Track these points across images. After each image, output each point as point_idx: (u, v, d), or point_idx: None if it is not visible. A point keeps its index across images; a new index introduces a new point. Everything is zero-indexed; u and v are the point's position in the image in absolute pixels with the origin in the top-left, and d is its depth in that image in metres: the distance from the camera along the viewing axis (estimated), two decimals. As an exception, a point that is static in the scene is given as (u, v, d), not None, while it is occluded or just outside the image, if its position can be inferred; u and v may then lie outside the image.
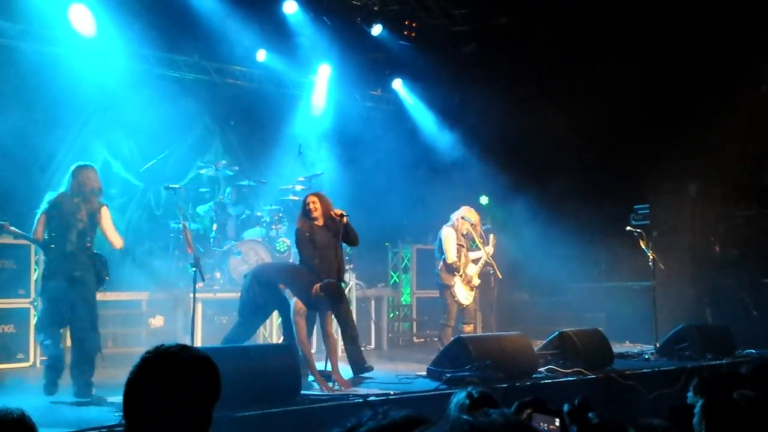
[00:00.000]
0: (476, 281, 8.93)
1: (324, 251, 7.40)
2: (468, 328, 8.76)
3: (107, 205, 6.92)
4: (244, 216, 10.43)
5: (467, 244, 8.97)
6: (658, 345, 9.24)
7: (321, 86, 13.17)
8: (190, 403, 2.00)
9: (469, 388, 3.15)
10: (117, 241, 6.92)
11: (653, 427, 3.57)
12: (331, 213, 7.46)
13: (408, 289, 12.55)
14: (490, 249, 9.04)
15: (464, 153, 13.23)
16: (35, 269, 8.88)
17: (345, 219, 7.42)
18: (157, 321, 9.73)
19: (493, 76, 12.86)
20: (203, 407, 2.03)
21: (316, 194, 7.74)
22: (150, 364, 2.02)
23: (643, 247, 9.62)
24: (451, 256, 8.66)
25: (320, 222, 7.49)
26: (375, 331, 11.36)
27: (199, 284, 7.45)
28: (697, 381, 5.09)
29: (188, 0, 10.97)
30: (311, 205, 7.52)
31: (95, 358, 6.58)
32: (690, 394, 5.08)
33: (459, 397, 3.18)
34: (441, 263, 8.76)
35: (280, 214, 10.41)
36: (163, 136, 11.92)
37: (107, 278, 6.85)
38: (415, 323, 12.48)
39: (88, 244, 6.69)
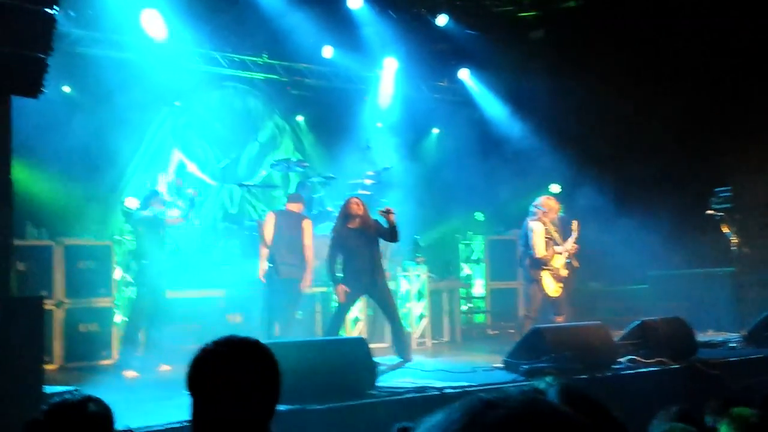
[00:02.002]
0: (564, 272, 8.78)
1: (357, 252, 8.07)
2: (560, 320, 8.64)
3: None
4: (315, 212, 10.49)
5: (558, 235, 8.83)
6: (744, 332, 8.89)
7: (387, 80, 13.15)
8: (254, 390, 2.03)
9: (547, 379, 3.04)
10: None
11: (747, 417, 3.41)
12: (379, 212, 8.10)
13: (481, 280, 12.43)
14: (573, 236, 8.90)
15: (534, 141, 13.00)
16: (113, 268, 9.15)
17: (392, 215, 8.04)
18: (235, 317, 9.89)
19: (562, 61, 12.58)
20: (266, 394, 2.06)
21: (359, 198, 8.42)
22: (210, 356, 2.05)
23: (726, 231, 9.27)
24: (540, 249, 8.55)
25: (355, 224, 8.09)
26: (448, 323, 11.28)
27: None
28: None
29: (254, 0, 11.09)
30: (355, 207, 8.14)
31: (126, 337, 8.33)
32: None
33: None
34: (529, 258, 8.65)
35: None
36: (235, 136, 12.15)
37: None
38: (488, 315, 12.36)
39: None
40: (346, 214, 8.21)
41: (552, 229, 8.82)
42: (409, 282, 10.64)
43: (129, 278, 9.42)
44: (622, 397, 6.43)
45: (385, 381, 6.61)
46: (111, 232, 9.96)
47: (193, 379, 2.03)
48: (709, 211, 9.66)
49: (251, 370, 2.03)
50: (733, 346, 8.63)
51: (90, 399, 2.36)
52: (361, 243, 8.14)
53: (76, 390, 5.39)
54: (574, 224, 8.95)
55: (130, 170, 11.32)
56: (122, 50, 10.90)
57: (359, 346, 6.52)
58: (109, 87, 10.43)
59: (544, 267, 8.54)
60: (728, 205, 11.05)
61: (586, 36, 12.43)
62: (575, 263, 8.83)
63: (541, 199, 8.85)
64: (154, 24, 10.60)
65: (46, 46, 4.64)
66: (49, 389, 4.79)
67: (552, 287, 8.58)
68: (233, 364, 2.03)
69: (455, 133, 13.44)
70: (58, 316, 8.66)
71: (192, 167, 11.97)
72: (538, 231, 8.59)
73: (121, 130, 10.71)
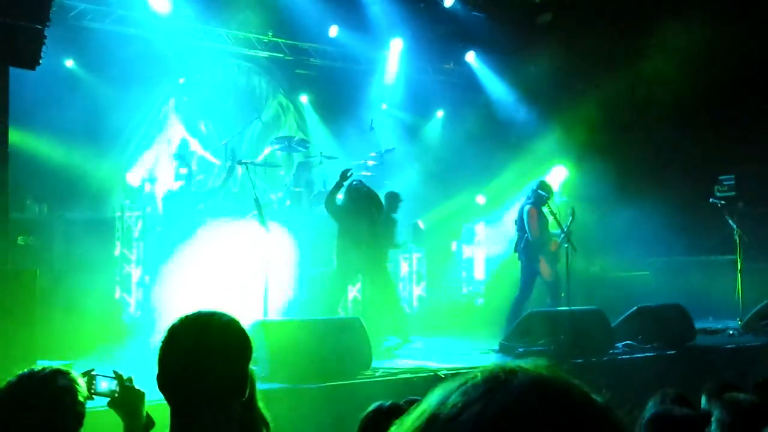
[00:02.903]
0: (560, 256, 8.75)
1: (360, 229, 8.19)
2: (557, 303, 8.63)
3: None
4: (316, 191, 10.49)
5: (554, 219, 8.80)
6: (742, 321, 8.89)
7: (393, 61, 13.07)
8: (222, 364, 2.02)
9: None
10: None
11: (739, 402, 3.43)
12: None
13: (481, 263, 12.41)
14: (569, 221, 8.85)
15: (539, 125, 12.94)
16: (115, 244, 9.16)
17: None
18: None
19: (569, 45, 12.49)
20: (235, 368, 2.05)
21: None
22: (179, 330, 2.05)
23: (728, 219, 9.24)
24: (535, 233, 8.52)
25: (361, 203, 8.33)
26: (447, 305, 11.29)
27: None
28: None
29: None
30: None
31: None
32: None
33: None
34: (524, 241, 8.62)
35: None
36: (239, 114, 12.10)
37: None
38: (488, 298, 12.35)
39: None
40: (354, 194, 8.27)
41: (548, 212, 8.78)
42: (410, 264, 10.64)
43: (130, 255, 9.43)
44: (618, 381, 6.44)
45: (380, 361, 6.63)
46: (113, 208, 9.96)
47: (160, 352, 2.04)
48: (712, 199, 9.61)
49: (213, 347, 2.02)
50: (732, 334, 8.64)
51: (59, 372, 2.37)
52: (365, 221, 8.19)
53: (70, 363, 5.43)
54: (572, 210, 8.91)
55: (133, 146, 11.31)
56: (127, 25, 10.86)
57: (356, 326, 6.53)
58: (113, 62, 10.41)
59: (540, 251, 8.51)
60: (732, 194, 11.00)
61: (594, 20, 12.33)
62: (574, 248, 8.79)
63: (538, 183, 8.80)
64: (161, 3, 10.55)
65: (44, 18, 4.62)
66: (42, 362, 4.81)
67: (547, 272, 8.57)
68: (197, 339, 2.02)
69: (460, 116, 13.38)
70: (58, 290, 8.67)
71: (194, 144, 11.95)
72: (533, 214, 8.56)
73: (124, 106, 10.69)
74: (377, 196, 8.44)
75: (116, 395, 2.51)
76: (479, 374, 0.91)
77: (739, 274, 9.35)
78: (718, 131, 11.42)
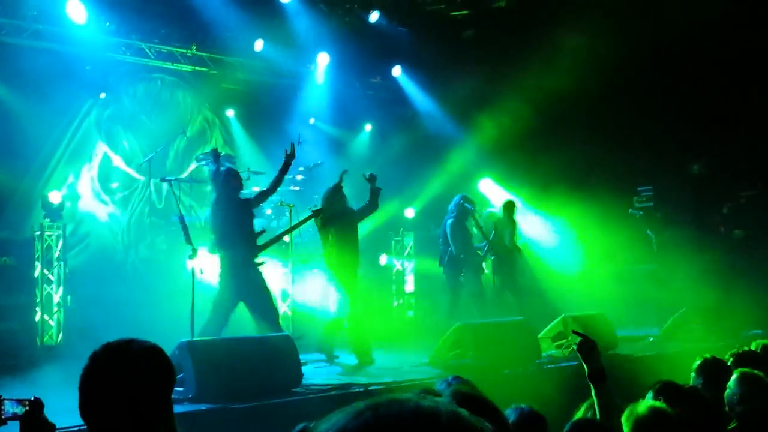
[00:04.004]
0: (485, 269, 8.89)
1: None
2: (484, 315, 8.74)
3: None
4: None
5: (478, 233, 8.92)
6: (662, 328, 9.21)
7: (320, 75, 13.08)
8: (144, 392, 2.02)
9: (449, 378, 3.11)
10: None
11: (638, 413, 3.58)
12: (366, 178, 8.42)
13: (411, 276, 12.50)
14: (493, 234, 9.00)
15: (465, 139, 13.15)
16: (35, 265, 8.88)
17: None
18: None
19: (493, 60, 12.75)
20: (157, 395, 2.05)
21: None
22: (101, 359, 2.04)
23: (647, 229, 9.57)
24: (458, 247, 8.64)
25: None
26: (378, 319, 11.31)
27: (200, 275, 7.46)
28: (699, 362, 5.06)
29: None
30: None
31: None
32: (693, 374, 5.05)
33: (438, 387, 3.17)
34: (448, 256, 8.72)
35: (281, 204, 10.35)
36: (163, 129, 11.90)
37: None
38: (418, 311, 12.44)
39: None
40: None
41: (472, 226, 8.93)
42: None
43: (51, 276, 9.13)
44: (543, 390, 6.58)
45: (311, 378, 6.62)
46: (33, 227, 9.65)
47: (82, 380, 2.02)
48: (631, 210, 9.95)
49: (148, 371, 2.02)
50: (652, 341, 8.93)
51: None
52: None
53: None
54: (494, 223, 9.09)
55: (54, 163, 10.99)
56: (45, 40, 10.56)
57: (285, 343, 6.50)
58: (31, 77, 10.10)
59: (464, 264, 8.65)
60: (650, 204, 11.40)
61: (517, 35, 12.62)
62: (499, 260, 8.97)
63: (461, 197, 8.95)
64: (78, 12, 10.30)
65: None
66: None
67: (473, 283, 8.71)
68: (119, 367, 2.02)
69: (388, 130, 13.48)
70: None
71: (117, 161, 11.69)
72: (455, 228, 8.70)
73: (43, 122, 10.39)
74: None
75: (27, 415, 2.42)
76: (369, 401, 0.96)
77: (657, 283, 9.69)
78: (637, 144, 11.83)
